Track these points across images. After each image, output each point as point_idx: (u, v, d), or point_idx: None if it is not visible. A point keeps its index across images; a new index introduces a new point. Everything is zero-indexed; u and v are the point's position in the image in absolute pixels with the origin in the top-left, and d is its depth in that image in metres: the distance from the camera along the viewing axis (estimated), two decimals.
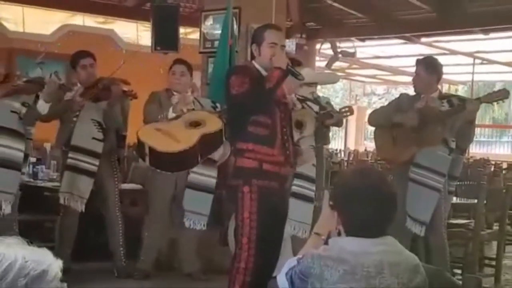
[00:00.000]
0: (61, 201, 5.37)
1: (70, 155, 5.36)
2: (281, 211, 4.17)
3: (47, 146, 7.37)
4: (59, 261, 1.37)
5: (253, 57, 4.18)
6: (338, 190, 2.29)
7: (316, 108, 5.41)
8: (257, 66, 4.07)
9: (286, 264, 2.28)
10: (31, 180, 6.06)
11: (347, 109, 5.54)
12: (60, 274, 1.36)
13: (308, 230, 5.04)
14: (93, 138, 5.39)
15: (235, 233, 4.15)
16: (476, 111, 4.99)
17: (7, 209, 4.90)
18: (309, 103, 5.42)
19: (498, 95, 4.99)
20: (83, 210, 5.38)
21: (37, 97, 4.98)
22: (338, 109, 5.73)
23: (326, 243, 2.27)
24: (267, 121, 3.98)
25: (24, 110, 4.95)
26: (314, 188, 5.29)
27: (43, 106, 4.95)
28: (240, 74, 3.98)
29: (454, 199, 5.98)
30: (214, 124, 5.06)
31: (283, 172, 4.05)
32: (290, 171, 4.17)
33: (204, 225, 5.51)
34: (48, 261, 1.35)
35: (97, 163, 5.37)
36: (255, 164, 3.96)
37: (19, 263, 1.29)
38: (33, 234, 5.44)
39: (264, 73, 4.03)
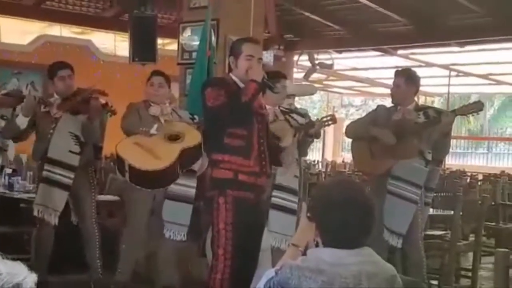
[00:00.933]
0: (35, 213, 5.32)
1: (45, 167, 5.31)
2: (257, 222, 4.17)
3: (23, 157, 7.31)
4: (33, 274, 1.36)
5: (230, 70, 4.19)
6: (315, 201, 2.29)
7: (301, 120, 5.42)
8: (234, 78, 4.09)
9: (264, 276, 2.28)
10: (7, 191, 6.00)
11: (329, 117, 5.51)
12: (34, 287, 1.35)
13: (292, 240, 5.04)
14: (70, 151, 5.33)
15: (212, 244, 4.14)
16: (451, 123, 5.03)
17: None
18: (293, 115, 5.44)
19: (472, 108, 5.03)
20: (56, 223, 5.33)
21: (14, 109, 4.94)
22: (318, 119, 5.73)
23: (304, 254, 2.27)
24: (243, 133, 3.98)
25: (2, 123, 4.91)
26: (296, 200, 5.29)
27: (21, 120, 4.91)
28: (216, 87, 4.00)
29: (431, 211, 6.02)
30: (193, 137, 5.06)
31: (259, 182, 4.05)
32: (267, 181, 4.17)
33: (184, 236, 5.48)
34: (22, 274, 1.34)
35: (72, 176, 5.33)
36: (231, 175, 3.97)
37: None
38: (8, 246, 5.38)
39: (241, 85, 4.04)
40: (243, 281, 4.07)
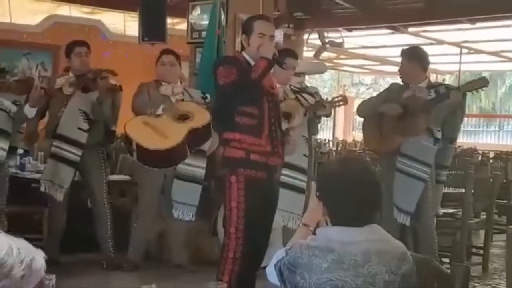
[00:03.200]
0: (42, 189, 5.38)
1: (54, 143, 5.37)
2: (269, 201, 4.17)
3: None
4: (40, 250, 1.38)
5: (243, 48, 4.17)
6: (322, 180, 2.29)
7: (311, 99, 5.41)
8: (246, 56, 4.08)
9: (275, 256, 2.29)
10: (19, 171, 6.02)
11: (340, 98, 5.47)
12: (44, 262, 1.37)
13: (298, 221, 5.05)
14: (78, 128, 5.37)
15: (224, 223, 4.15)
16: (457, 100, 4.98)
17: None
18: (304, 94, 5.42)
19: (477, 84, 4.99)
20: (61, 199, 5.37)
21: (28, 95, 4.97)
22: (328, 99, 5.71)
23: (314, 233, 2.27)
24: (254, 111, 3.98)
25: (14, 108, 4.93)
26: (305, 178, 5.29)
27: (28, 110, 4.93)
28: (227, 65, 4.00)
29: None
30: (202, 117, 5.05)
31: (271, 162, 4.05)
32: (279, 161, 4.15)
33: (193, 216, 5.51)
34: (33, 250, 1.36)
35: (79, 153, 5.36)
36: (242, 154, 3.97)
37: (15, 251, 1.30)
38: (20, 226, 5.42)
39: (252, 63, 4.03)
40: (255, 260, 4.09)
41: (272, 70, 4.97)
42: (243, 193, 3.95)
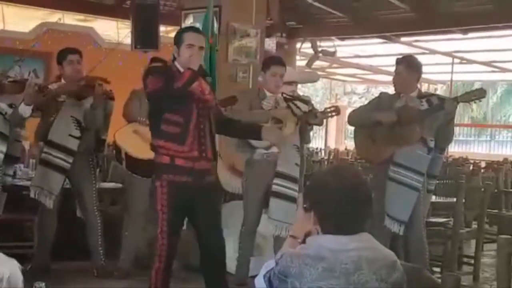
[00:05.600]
0: (32, 195, 5.36)
1: (44, 149, 5.36)
2: (201, 203, 4.27)
3: (26, 144, 7.31)
4: (14, 260, 1.37)
5: (175, 58, 4.33)
6: (313, 189, 2.30)
7: (304, 107, 5.41)
8: (178, 66, 4.23)
9: (264, 266, 2.29)
10: (9, 178, 5.99)
11: (332, 108, 5.48)
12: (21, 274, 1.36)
13: (291, 230, 5.04)
14: (70, 135, 5.36)
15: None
16: (453, 111, 5.01)
17: None
18: (297, 102, 5.42)
19: (475, 95, 5.01)
20: (51, 206, 5.35)
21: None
22: (320, 109, 5.70)
23: (303, 242, 2.28)
24: (178, 120, 4.12)
25: (10, 111, 4.93)
26: (296, 187, 5.29)
27: (23, 109, 4.93)
28: (156, 74, 4.17)
29: (433, 198, 6.01)
30: None
31: (198, 166, 4.18)
32: (207, 165, 4.27)
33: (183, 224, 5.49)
34: (8, 263, 1.34)
35: (70, 160, 5.35)
36: (167, 160, 4.14)
37: None
38: (11, 233, 5.40)
39: None
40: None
41: (260, 78, 5.03)
42: (165, 197, 4.13)
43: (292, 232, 2.46)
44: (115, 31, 12.54)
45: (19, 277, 1.35)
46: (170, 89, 4.03)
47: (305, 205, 2.34)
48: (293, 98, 5.46)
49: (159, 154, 4.17)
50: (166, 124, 4.11)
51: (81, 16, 12.16)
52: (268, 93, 5.36)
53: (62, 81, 5.50)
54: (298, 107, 5.37)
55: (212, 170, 4.39)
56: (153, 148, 4.23)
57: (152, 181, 4.49)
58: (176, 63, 4.25)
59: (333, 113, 5.40)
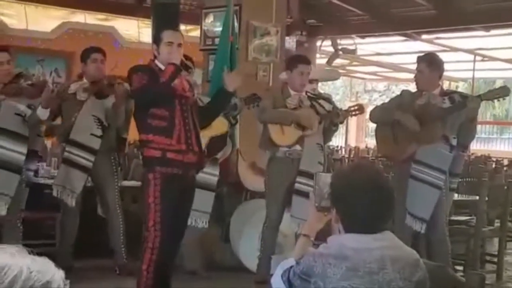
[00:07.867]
0: (54, 194, 5.42)
1: (67, 148, 5.40)
2: (185, 194, 4.41)
3: (48, 143, 7.36)
4: (61, 271, 1.36)
5: (155, 57, 4.44)
6: (335, 187, 2.27)
7: (328, 106, 5.39)
8: (158, 64, 4.35)
9: (279, 266, 2.28)
10: (32, 177, 6.04)
11: (356, 107, 5.45)
12: (62, 285, 1.34)
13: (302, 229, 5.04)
14: (92, 134, 5.40)
15: (143, 218, 4.39)
16: (476, 108, 4.97)
17: (1, 211, 4.93)
18: (320, 101, 5.41)
19: (498, 93, 4.98)
20: (73, 204, 5.39)
21: None
22: (340, 107, 5.69)
23: (315, 244, 2.28)
24: (164, 114, 4.25)
25: (29, 112, 4.97)
26: None
27: (41, 111, 4.96)
28: (140, 72, 4.32)
29: (456, 196, 5.98)
30: (221, 125, 5.09)
31: (186, 159, 4.29)
32: (194, 158, 4.35)
33: (206, 223, 5.52)
34: (51, 272, 1.33)
35: (92, 159, 5.39)
36: (159, 153, 4.24)
37: (24, 274, 1.28)
38: (33, 232, 5.44)
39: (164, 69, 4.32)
40: (171, 250, 4.46)
41: (282, 76, 5.04)
42: (159, 189, 4.24)
43: (304, 231, 2.47)
44: (136, 30, 12.59)
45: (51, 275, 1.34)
46: (156, 85, 4.20)
47: (316, 204, 2.35)
48: (317, 97, 5.45)
49: (149, 148, 4.28)
50: (153, 119, 4.24)
51: (102, 16, 12.22)
52: (292, 92, 5.36)
53: (84, 80, 5.54)
54: (321, 106, 5.36)
55: (197, 165, 4.45)
56: (142, 142, 4.35)
57: (143, 175, 4.53)
58: (156, 61, 4.38)
59: (357, 112, 5.39)
